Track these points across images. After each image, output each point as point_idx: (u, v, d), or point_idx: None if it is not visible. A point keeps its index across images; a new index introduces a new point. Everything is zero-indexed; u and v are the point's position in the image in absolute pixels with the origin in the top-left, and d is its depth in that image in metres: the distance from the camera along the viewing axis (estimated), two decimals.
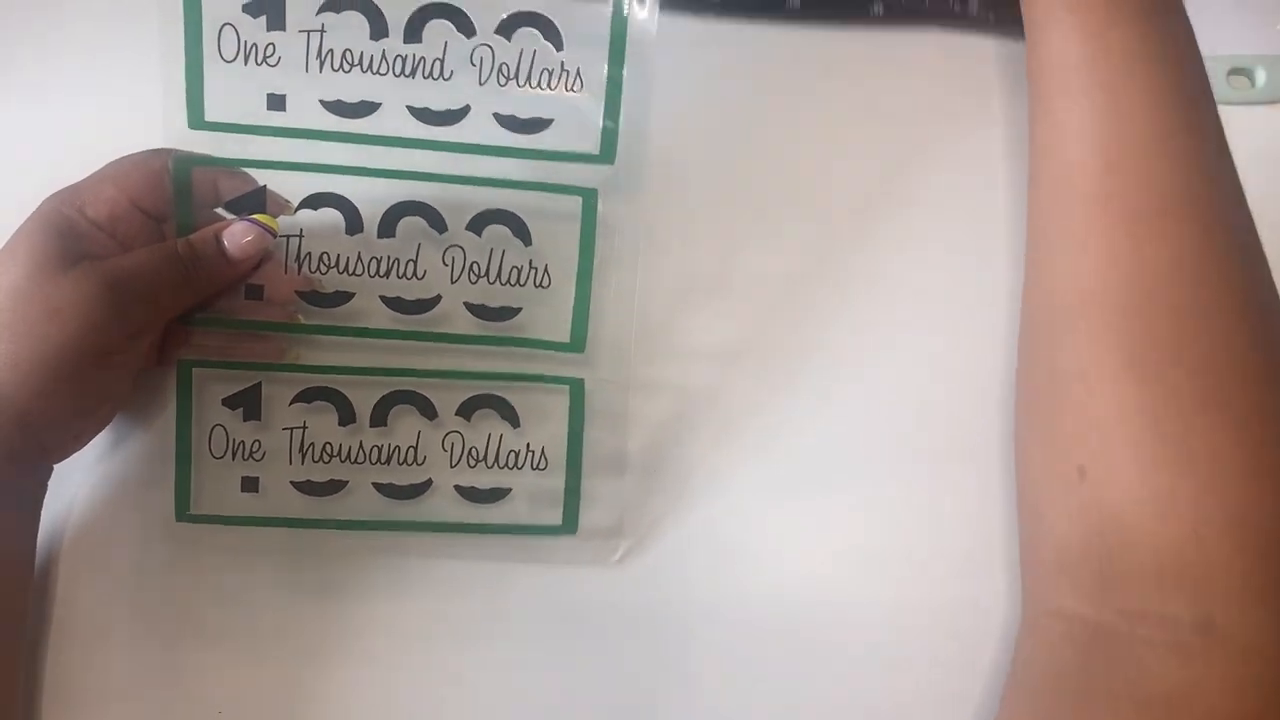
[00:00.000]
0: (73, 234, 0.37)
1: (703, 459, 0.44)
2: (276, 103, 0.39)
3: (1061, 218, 0.38)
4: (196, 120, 0.39)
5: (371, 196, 0.41)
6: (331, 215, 0.41)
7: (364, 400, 0.42)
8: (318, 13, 0.39)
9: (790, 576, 0.43)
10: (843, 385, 0.45)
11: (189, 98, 0.39)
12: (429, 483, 0.42)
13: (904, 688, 0.41)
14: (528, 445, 0.42)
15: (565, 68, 0.40)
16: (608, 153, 0.40)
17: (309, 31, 0.39)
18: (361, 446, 0.42)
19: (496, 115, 0.40)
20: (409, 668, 0.41)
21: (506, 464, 0.42)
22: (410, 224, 0.41)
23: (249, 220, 0.39)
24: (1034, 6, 0.40)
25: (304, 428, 0.41)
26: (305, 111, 0.39)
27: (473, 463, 0.42)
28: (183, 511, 0.41)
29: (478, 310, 0.42)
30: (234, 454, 0.41)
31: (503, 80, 0.40)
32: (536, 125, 0.40)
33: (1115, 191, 0.37)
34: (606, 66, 0.40)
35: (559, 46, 0.40)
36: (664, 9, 0.39)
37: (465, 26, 0.39)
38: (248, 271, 0.40)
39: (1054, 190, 0.39)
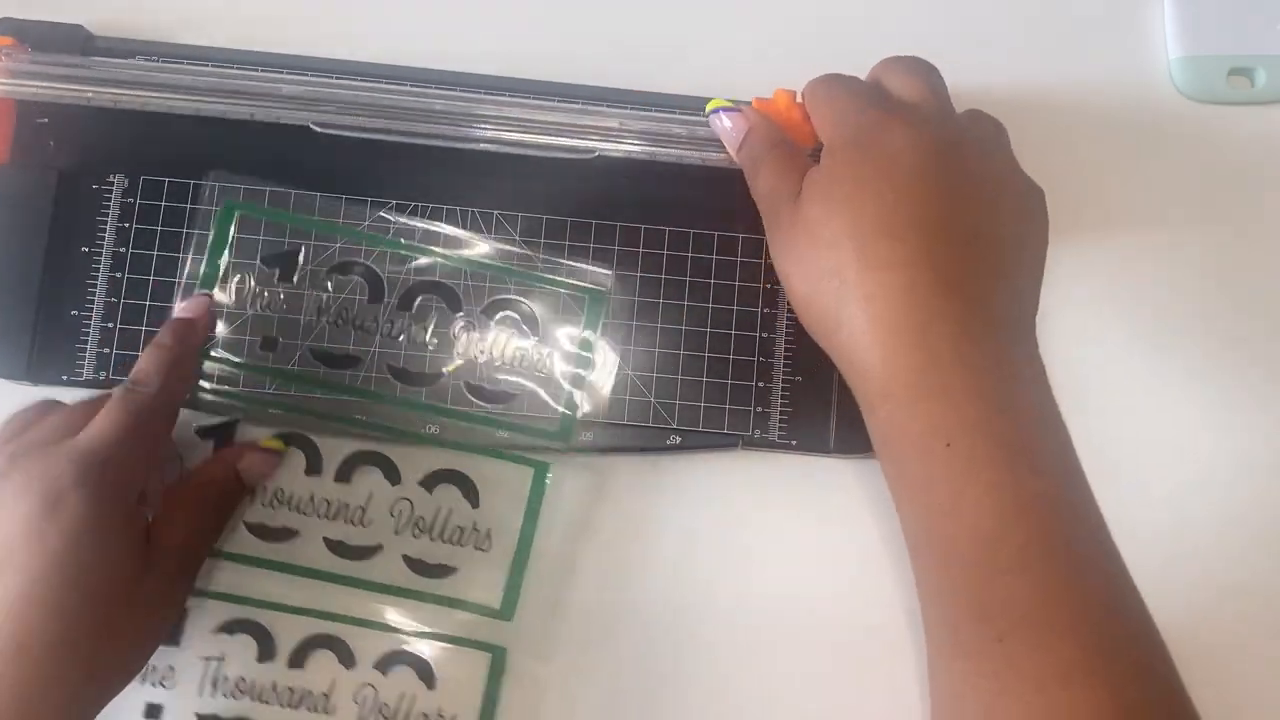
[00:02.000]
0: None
1: None
2: None
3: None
4: None
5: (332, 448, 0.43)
6: (297, 455, 0.43)
7: (286, 638, 0.42)
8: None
9: None
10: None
11: None
12: None
13: None
14: (439, 710, 0.42)
15: None
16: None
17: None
18: (274, 687, 0.41)
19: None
20: None
21: None
22: (365, 473, 0.43)
23: (261, 450, 0.42)
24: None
25: (221, 659, 0.41)
26: None
27: None
28: None
29: (415, 564, 0.43)
30: (142, 676, 0.41)
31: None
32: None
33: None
34: None
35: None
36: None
37: None
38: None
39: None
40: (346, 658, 0.42)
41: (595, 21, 0.48)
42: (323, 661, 0.42)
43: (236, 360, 0.43)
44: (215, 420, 0.43)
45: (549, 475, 0.43)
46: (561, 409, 0.43)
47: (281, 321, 0.43)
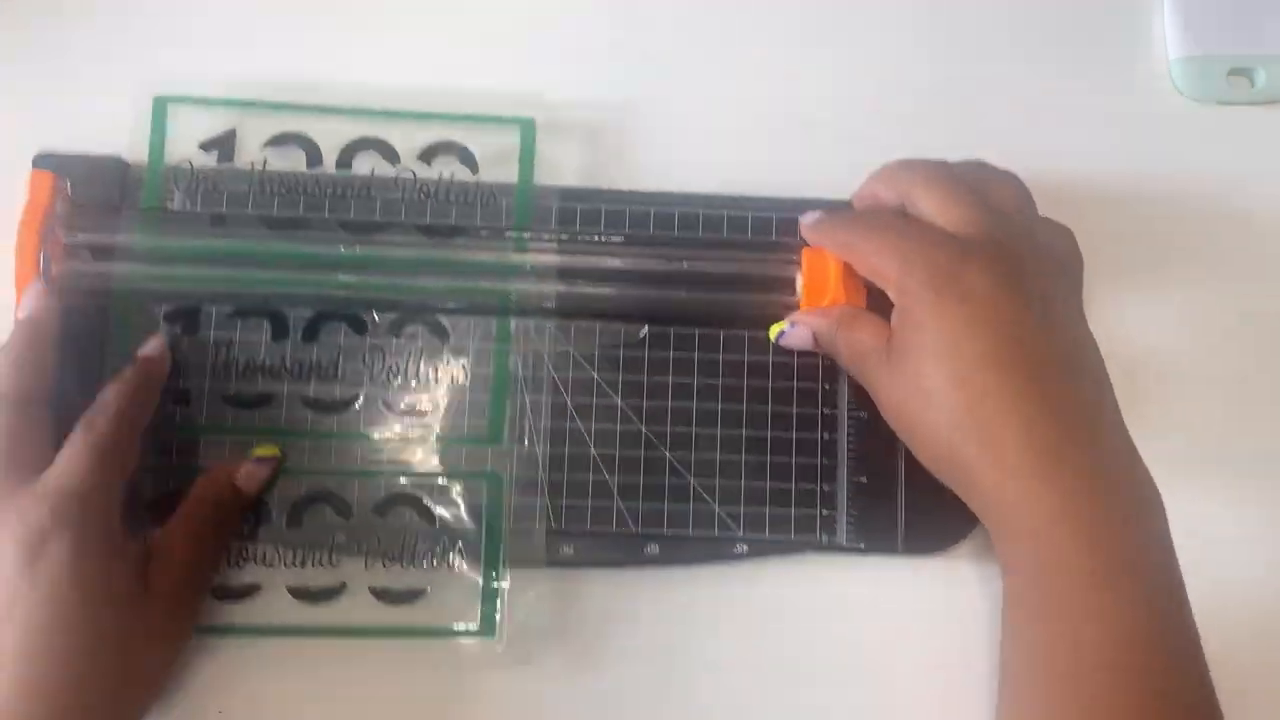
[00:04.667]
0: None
1: None
2: None
3: None
4: None
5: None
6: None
7: None
8: None
9: None
10: None
11: None
12: None
13: None
14: None
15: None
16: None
17: None
18: None
19: None
20: None
21: None
22: (317, 511, 0.41)
23: (255, 460, 0.40)
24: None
25: None
26: None
27: None
28: None
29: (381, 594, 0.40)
30: None
31: None
32: None
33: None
34: None
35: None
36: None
37: None
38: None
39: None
40: None
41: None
42: None
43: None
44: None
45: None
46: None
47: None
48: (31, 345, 0.39)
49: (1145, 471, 0.36)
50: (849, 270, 0.40)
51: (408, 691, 0.40)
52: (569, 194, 0.44)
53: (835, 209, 0.42)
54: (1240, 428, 0.45)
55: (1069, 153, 0.47)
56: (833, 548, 0.41)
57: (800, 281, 0.41)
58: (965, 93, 0.47)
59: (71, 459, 0.36)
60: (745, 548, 0.41)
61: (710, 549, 0.41)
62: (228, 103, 0.44)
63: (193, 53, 0.45)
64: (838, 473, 0.42)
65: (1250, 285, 0.46)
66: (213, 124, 0.43)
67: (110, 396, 0.38)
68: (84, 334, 0.41)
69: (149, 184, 0.42)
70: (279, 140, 0.43)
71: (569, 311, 0.42)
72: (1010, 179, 0.40)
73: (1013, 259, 0.37)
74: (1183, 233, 0.46)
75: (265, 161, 0.43)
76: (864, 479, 0.42)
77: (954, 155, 0.43)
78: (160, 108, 0.43)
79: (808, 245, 0.42)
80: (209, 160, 0.43)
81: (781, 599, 0.42)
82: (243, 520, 0.40)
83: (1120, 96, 0.48)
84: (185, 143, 0.43)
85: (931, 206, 0.38)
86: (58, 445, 0.37)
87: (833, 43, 0.48)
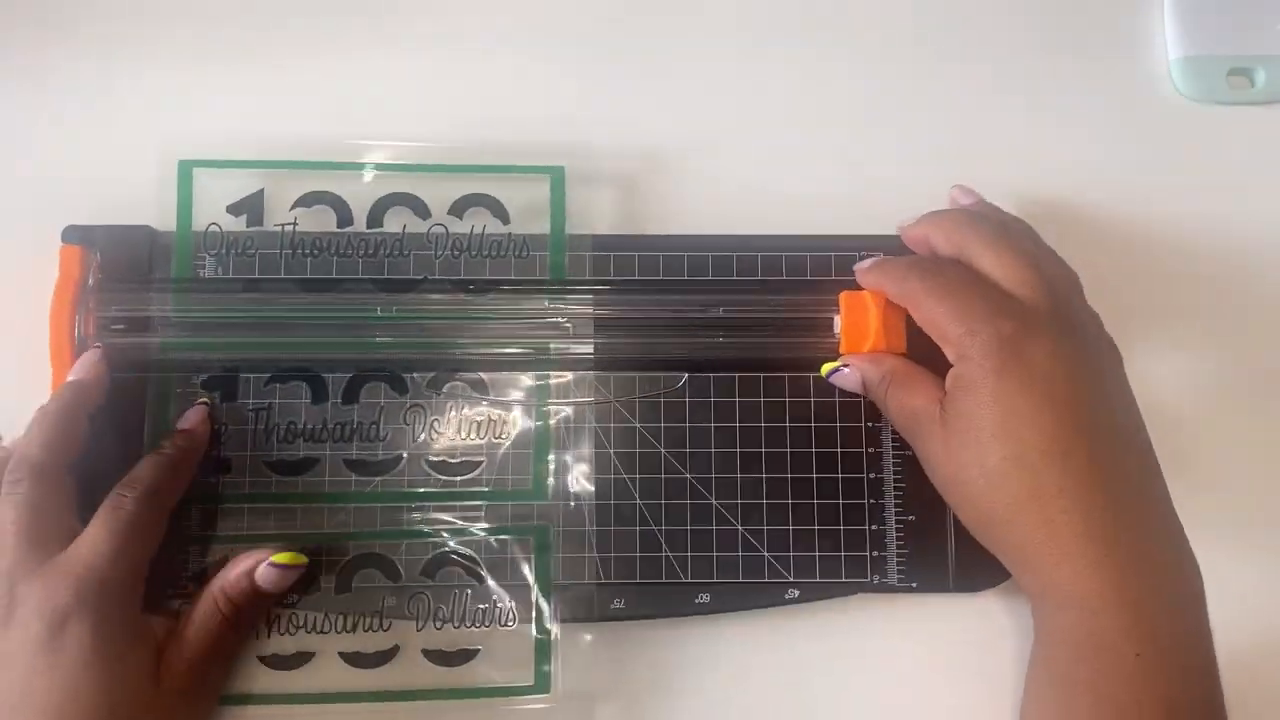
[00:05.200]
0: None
1: None
2: None
3: None
4: None
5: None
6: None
7: None
8: None
9: None
10: None
11: None
12: None
13: None
14: None
15: None
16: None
17: None
18: None
19: None
20: None
21: None
22: (366, 575, 0.41)
23: (278, 566, 0.39)
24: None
25: None
26: None
27: None
28: None
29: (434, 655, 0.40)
30: None
31: None
32: None
33: None
34: None
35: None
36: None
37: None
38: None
39: None
40: None
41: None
42: None
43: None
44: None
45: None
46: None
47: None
48: (69, 411, 0.38)
49: (1190, 551, 0.36)
50: (889, 314, 0.40)
51: None
52: (601, 242, 0.44)
53: (889, 256, 0.42)
54: (1239, 427, 0.45)
55: (1069, 152, 0.47)
56: (884, 588, 0.41)
57: (839, 323, 0.41)
58: (965, 93, 0.47)
59: (98, 539, 0.36)
60: (797, 592, 0.41)
61: (761, 595, 0.41)
62: (254, 164, 0.43)
63: (216, 115, 0.45)
64: (885, 512, 0.42)
65: (1250, 285, 0.46)
66: (240, 186, 0.43)
67: (142, 472, 0.38)
68: (124, 406, 0.40)
69: (179, 250, 0.42)
70: (308, 200, 0.43)
71: (607, 363, 0.42)
72: (1055, 255, 0.40)
73: (1072, 335, 0.37)
74: (1182, 233, 0.46)
75: (295, 222, 0.43)
76: (912, 517, 0.42)
77: (954, 154, 0.45)
78: (186, 172, 0.42)
79: (844, 288, 0.41)
80: (238, 223, 0.43)
81: (836, 642, 0.42)
82: (259, 622, 0.40)
83: (1120, 96, 0.48)
84: (213, 206, 0.43)
85: (990, 265, 0.38)
86: (87, 515, 0.37)
87: (851, 73, 0.48)
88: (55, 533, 0.36)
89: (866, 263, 0.41)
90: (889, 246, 0.43)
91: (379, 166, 0.43)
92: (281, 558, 0.39)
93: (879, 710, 0.41)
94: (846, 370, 0.41)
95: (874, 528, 0.42)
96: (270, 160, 0.43)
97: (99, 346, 0.40)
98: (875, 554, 0.41)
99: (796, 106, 0.47)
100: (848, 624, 0.42)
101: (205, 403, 0.41)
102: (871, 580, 0.41)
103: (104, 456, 0.39)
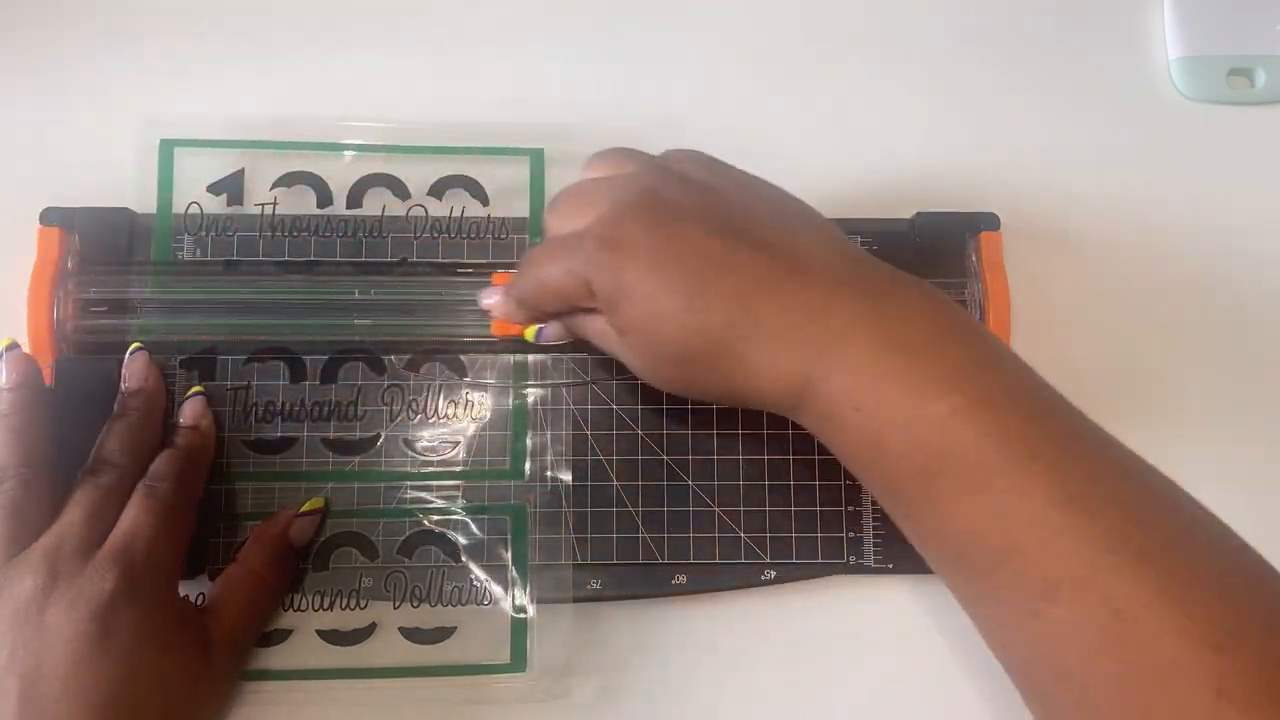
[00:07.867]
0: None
1: None
2: None
3: None
4: None
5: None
6: None
7: None
8: None
9: None
10: None
11: None
12: None
13: None
14: None
15: None
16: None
17: None
18: None
19: None
20: None
21: None
22: (344, 554, 0.41)
23: (306, 515, 0.40)
24: None
25: None
26: None
27: None
28: None
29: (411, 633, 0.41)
30: None
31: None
32: None
33: None
34: None
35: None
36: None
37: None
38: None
39: None
40: None
41: None
42: None
43: None
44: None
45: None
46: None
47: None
48: (23, 410, 0.38)
49: (902, 274, 0.35)
50: None
51: None
52: None
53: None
54: (1239, 426, 0.45)
55: (1069, 152, 0.47)
56: (860, 569, 0.42)
57: None
58: (965, 93, 0.47)
59: (136, 523, 0.36)
60: (773, 573, 0.41)
61: (738, 576, 0.41)
62: (234, 144, 0.43)
63: (196, 94, 0.45)
64: (862, 493, 0.42)
65: (1250, 284, 0.46)
66: (220, 166, 0.43)
67: (163, 466, 0.38)
68: (101, 387, 0.40)
69: (159, 231, 0.42)
70: (288, 180, 0.43)
71: (584, 344, 0.42)
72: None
73: (649, 175, 0.36)
74: (1183, 232, 0.46)
75: (275, 202, 0.43)
76: None
77: (952, 154, 0.45)
78: (167, 151, 0.43)
79: None
80: (218, 202, 0.43)
81: (812, 623, 0.42)
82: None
83: (1120, 96, 0.48)
84: (193, 185, 0.43)
85: (552, 221, 0.38)
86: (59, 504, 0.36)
87: (831, 56, 0.48)
88: (31, 533, 0.36)
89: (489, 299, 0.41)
90: (882, 242, 0.43)
91: (359, 147, 0.44)
92: (307, 506, 0.40)
93: (855, 690, 0.41)
94: (544, 329, 0.40)
95: (850, 509, 0.42)
96: (251, 140, 0.43)
97: (13, 345, 0.39)
98: (851, 535, 0.42)
99: (781, 94, 0.47)
100: (824, 605, 0.42)
101: (200, 392, 0.41)
102: (848, 561, 0.42)
103: (82, 438, 0.39)
